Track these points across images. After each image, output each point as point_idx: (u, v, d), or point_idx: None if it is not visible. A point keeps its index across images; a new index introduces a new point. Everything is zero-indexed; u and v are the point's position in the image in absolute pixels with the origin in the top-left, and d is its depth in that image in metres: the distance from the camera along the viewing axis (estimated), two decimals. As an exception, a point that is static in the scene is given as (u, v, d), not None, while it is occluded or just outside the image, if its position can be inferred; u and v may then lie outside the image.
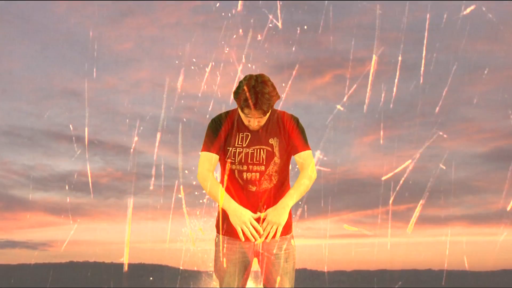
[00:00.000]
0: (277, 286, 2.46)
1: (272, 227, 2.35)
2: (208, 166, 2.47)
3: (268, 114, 2.41)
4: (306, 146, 2.48)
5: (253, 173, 2.45)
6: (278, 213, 2.36)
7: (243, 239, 2.37)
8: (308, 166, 2.46)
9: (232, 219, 2.37)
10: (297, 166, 2.54)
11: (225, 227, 2.50)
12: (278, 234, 2.37)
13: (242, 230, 2.35)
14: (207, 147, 2.48)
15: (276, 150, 2.47)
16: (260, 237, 2.36)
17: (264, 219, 2.40)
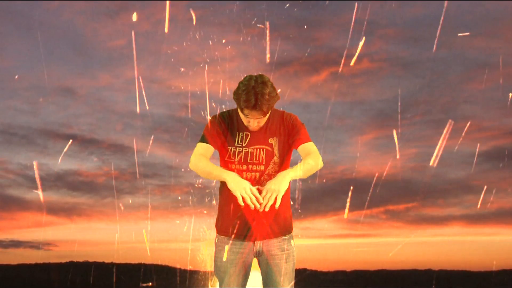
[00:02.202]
0: (277, 286, 2.46)
1: (271, 195, 2.28)
2: (202, 152, 2.44)
3: (268, 115, 2.42)
4: (308, 138, 2.48)
5: (253, 173, 2.45)
6: (278, 181, 2.30)
7: (242, 205, 2.30)
8: (313, 153, 2.44)
9: (231, 185, 2.30)
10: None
11: (225, 227, 2.50)
12: (278, 202, 2.29)
13: (242, 197, 2.28)
14: (203, 139, 2.48)
15: (275, 149, 2.47)
16: (260, 206, 2.29)
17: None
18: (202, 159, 2.41)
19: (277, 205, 2.30)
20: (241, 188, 2.28)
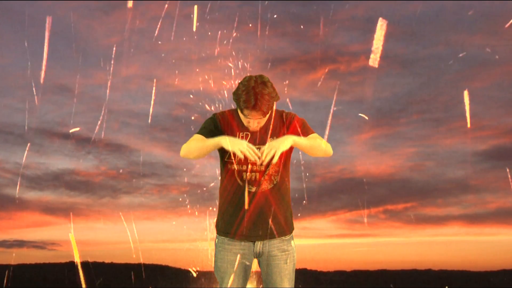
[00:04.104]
0: (277, 287, 2.46)
1: (271, 150, 2.29)
2: (196, 139, 2.43)
3: (268, 115, 2.41)
4: (311, 130, 2.48)
5: (253, 173, 2.45)
6: (280, 140, 2.32)
7: (242, 157, 2.32)
8: (319, 139, 2.44)
9: (229, 145, 2.31)
10: (298, 166, 2.52)
11: (225, 228, 2.50)
12: (276, 158, 2.30)
13: (242, 152, 2.29)
14: (200, 131, 2.47)
15: (276, 150, 2.46)
16: (259, 160, 2.31)
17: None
18: (193, 141, 2.40)
19: (274, 160, 2.31)
20: (239, 145, 2.30)
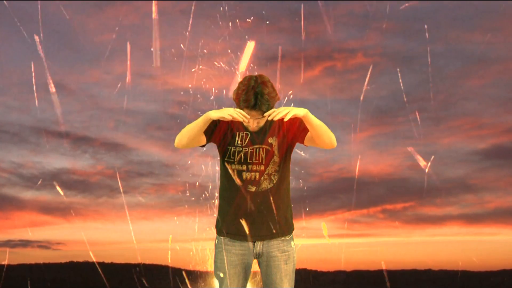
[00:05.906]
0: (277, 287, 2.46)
1: (284, 110, 2.25)
2: None
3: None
4: None
5: (253, 173, 2.44)
6: (293, 106, 2.30)
7: (230, 118, 2.28)
8: None
9: (216, 113, 2.30)
10: (297, 166, 2.51)
11: (225, 228, 2.49)
12: (288, 117, 2.25)
13: (230, 115, 2.27)
14: None
15: (275, 149, 2.46)
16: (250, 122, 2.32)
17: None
18: (183, 128, 2.39)
19: (286, 118, 2.26)
20: (226, 110, 2.29)
